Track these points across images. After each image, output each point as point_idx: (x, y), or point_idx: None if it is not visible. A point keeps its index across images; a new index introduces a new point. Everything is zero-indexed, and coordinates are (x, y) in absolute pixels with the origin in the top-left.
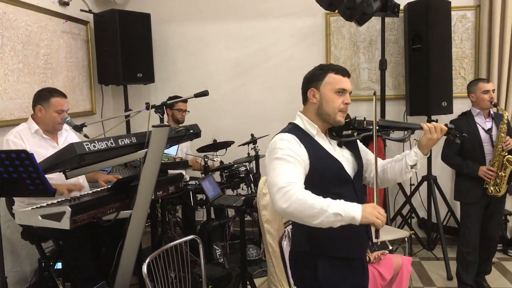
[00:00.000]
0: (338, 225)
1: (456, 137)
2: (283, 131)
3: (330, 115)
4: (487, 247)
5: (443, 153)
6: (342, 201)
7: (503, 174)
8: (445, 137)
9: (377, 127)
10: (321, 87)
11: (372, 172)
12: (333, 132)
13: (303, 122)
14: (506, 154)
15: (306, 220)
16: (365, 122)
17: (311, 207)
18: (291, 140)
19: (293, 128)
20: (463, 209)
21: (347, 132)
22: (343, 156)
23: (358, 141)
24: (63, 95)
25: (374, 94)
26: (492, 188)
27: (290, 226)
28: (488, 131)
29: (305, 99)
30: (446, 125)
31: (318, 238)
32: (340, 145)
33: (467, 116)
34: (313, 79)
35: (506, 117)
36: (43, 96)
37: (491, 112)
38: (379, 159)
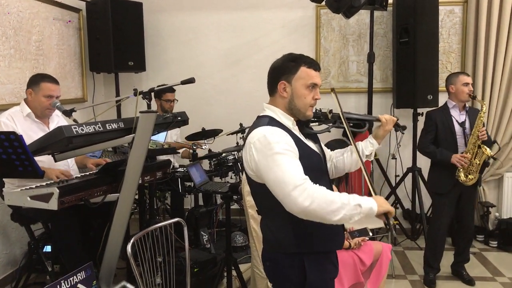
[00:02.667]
0: (356, 218)
1: (400, 128)
2: (262, 124)
3: (301, 110)
4: (464, 237)
5: (419, 141)
6: (353, 195)
7: (478, 162)
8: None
9: (342, 119)
10: (293, 81)
11: (327, 163)
12: (301, 124)
13: (277, 114)
14: (480, 143)
15: (326, 217)
16: (330, 114)
17: (332, 202)
18: (281, 132)
19: (271, 121)
20: (435, 199)
21: (314, 124)
22: (314, 148)
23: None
24: (54, 81)
25: (332, 90)
26: (462, 176)
27: None
28: (462, 124)
29: (273, 91)
30: (395, 117)
31: (305, 236)
32: (306, 136)
33: (442, 108)
34: (284, 71)
35: (484, 108)
36: (35, 80)
37: (466, 106)
38: (328, 151)
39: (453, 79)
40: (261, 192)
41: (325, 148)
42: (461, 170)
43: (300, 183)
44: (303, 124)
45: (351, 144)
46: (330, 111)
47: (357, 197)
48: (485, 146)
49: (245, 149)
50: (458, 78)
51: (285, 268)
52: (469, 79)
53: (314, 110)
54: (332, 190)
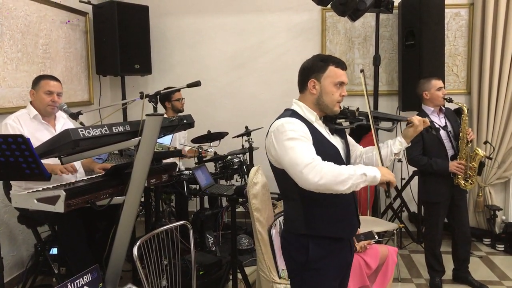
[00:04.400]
0: (361, 186)
1: (432, 130)
2: (284, 116)
3: (329, 106)
4: (463, 240)
5: (409, 157)
6: (358, 165)
7: (474, 165)
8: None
9: (369, 116)
10: (322, 79)
11: (356, 159)
12: (328, 119)
13: (301, 109)
14: (470, 145)
15: (335, 187)
16: (357, 112)
17: (340, 174)
18: (297, 122)
19: (293, 114)
20: (429, 208)
21: (341, 120)
22: (337, 143)
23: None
24: (53, 78)
25: (362, 71)
26: (463, 182)
27: (281, 218)
28: (445, 128)
29: (303, 88)
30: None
31: (315, 219)
32: (332, 132)
33: (421, 116)
34: (313, 70)
35: (465, 111)
36: (35, 81)
37: (443, 109)
38: (359, 147)
39: (426, 85)
40: (280, 177)
41: (354, 144)
42: (460, 176)
43: (309, 162)
44: (330, 120)
45: (375, 142)
46: (357, 109)
47: (363, 166)
48: (477, 148)
49: (267, 137)
50: (430, 83)
51: (292, 247)
52: (441, 83)
53: (342, 108)
54: None
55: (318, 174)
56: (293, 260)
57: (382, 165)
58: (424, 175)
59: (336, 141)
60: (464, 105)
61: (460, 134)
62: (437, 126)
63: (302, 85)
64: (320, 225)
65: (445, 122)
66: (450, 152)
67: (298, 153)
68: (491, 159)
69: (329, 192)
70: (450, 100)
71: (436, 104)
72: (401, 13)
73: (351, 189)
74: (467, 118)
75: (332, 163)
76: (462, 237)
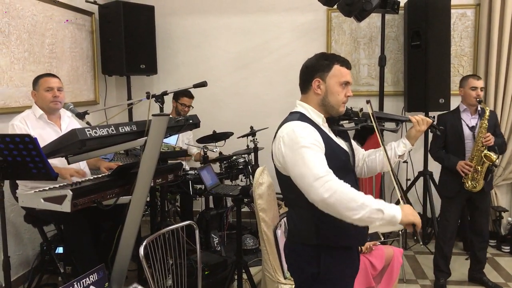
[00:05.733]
0: (376, 224)
1: (436, 129)
2: (292, 119)
3: (334, 107)
4: (478, 242)
5: (430, 147)
6: (379, 200)
7: (480, 169)
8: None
9: (373, 118)
10: (327, 79)
11: (359, 162)
12: (331, 121)
13: (307, 111)
14: (485, 149)
15: (344, 213)
16: (360, 113)
17: (353, 199)
18: (309, 128)
19: (302, 117)
20: (443, 202)
21: (344, 121)
22: (344, 146)
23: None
24: (51, 75)
25: (368, 102)
26: (469, 183)
27: (285, 219)
28: (472, 129)
29: (307, 88)
30: (430, 118)
31: (325, 229)
32: (335, 134)
33: (454, 111)
34: (318, 69)
35: (487, 113)
36: (35, 81)
37: (479, 109)
38: (361, 150)
39: (463, 82)
40: (287, 184)
41: (358, 148)
42: (468, 177)
43: (323, 175)
44: (333, 121)
45: (381, 145)
46: (361, 110)
47: (382, 202)
48: (490, 153)
49: (274, 142)
50: (467, 81)
51: (302, 258)
52: (478, 83)
53: (345, 108)
54: (358, 189)
55: (329, 191)
56: (303, 272)
57: (391, 167)
58: (442, 169)
59: (342, 144)
60: (487, 108)
61: (476, 136)
62: (464, 125)
63: (305, 85)
64: (332, 234)
65: (476, 123)
66: (470, 153)
67: (310, 163)
68: (496, 166)
69: (335, 215)
70: (480, 102)
71: (468, 102)
72: (407, 14)
73: (361, 222)
74: (487, 121)
75: (349, 185)
76: (478, 239)
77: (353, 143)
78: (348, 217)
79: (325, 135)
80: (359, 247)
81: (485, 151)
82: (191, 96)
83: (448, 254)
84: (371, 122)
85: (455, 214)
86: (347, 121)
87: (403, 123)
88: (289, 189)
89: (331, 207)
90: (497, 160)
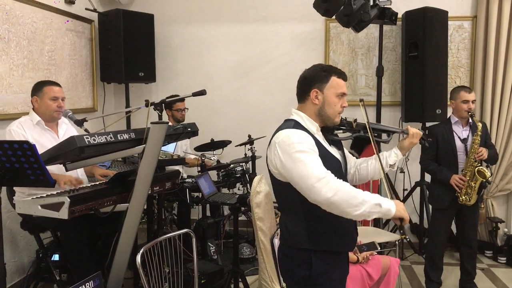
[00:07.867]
0: (374, 216)
1: (424, 141)
2: (287, 126)
3: (330, 117)
4: (467, 253)
5: (421, 158)
6: (375, 194)
7: (474, 185)
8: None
9: (367, 128)
10: (324, 90)
11: (351, 170)
12: (326, 130)
13: (302, 119)
14: (478, 165)
15: (346, 210)
16: (355, 123)
17: (354, 197)
18: (303, 134)
19: (296, 125)
20: (434, 213)
21: (339, 131)
22: (337, 155)
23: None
24: (55, 84)
25: (361, 101)
26: (463, 197)
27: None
28: (464, 141)
29: (304, 98)
30: (421, 130)
31: (318, 234)
32: (329, 143)
33: (445, 123)
34: (316, 80)
35: (479, 128)
36: (37, 87)
37: (470, 121)
38: (353, 158)
39: (454, 94)
40: (282, 190)
41: (349, 156)
42: (462, 191)
43: (323, 176)
44: (327, 131)
45: (375, 153)
46: (355, 120)
47: (378, 196)
48: (483, 168)
49: (270, 148)
50: (459, 94)
51: (294, 262)
52: (469, 96)
53: (339, 119)
54: None
55: (332, 190)
56: (295, 275)
57: (384, 175)
58: (433, 181)
59: (335, 153)
60: (479, 124)
61: (469, 151)
62: (456, 137)
63: (303, 95)
64: (323, 239)
65: (468, 135)
66: (462, 165)
67: (309, 166)
68: (489, 183)
69: (336, 213)
70: (472, 116)
71: (460, 115)
72: (404, 25)
73: (361, 216)
74: (479, 137)
75: (347, 183)
76: (467, 250)
77: (346, 151)
78: (350, 213)
79: (318, 143)
80: (357, 258)
81: (478, 167)
82: (182, 99)
83: (440, 265)
84: (365, 132)
85: (446, 225)
86: (342, 131)
87: (393, 134)
88: (283, 195)
89: (334, 205)
90: (490, 178)
